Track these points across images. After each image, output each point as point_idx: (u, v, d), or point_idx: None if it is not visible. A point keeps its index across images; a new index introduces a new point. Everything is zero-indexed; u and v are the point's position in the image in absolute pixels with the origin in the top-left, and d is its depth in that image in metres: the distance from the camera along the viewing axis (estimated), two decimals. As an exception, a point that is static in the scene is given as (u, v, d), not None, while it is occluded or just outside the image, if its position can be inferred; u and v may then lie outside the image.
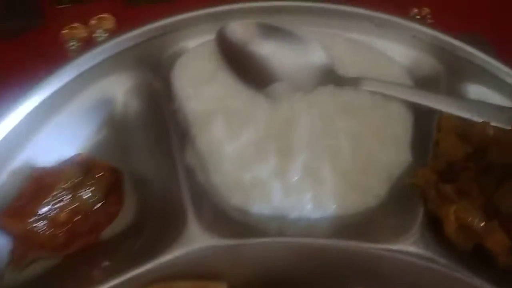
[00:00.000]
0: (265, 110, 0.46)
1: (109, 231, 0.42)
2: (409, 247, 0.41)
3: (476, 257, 0.42)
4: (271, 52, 0.50)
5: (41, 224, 0.39)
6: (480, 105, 0.50)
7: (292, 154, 0.43)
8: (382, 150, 0.47)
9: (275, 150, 0.44)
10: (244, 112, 0.46)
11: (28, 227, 0.39)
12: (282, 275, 0.40)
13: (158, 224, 0.41)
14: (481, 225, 0.41)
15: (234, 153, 0.43)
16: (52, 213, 0.39)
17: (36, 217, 0.39)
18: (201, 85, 0.48)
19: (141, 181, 0.44)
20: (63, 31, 0.57)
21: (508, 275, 0.42)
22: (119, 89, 0.48)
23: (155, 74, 0.48)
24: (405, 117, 0.49)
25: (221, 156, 0.44)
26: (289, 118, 0.46)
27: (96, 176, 0.41)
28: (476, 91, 0.53)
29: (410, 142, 0.48)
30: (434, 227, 0.43)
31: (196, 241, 0.39)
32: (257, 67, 0.49)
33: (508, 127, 0.46)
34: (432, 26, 0.59)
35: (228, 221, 0.42)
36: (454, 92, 0.53)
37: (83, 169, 0.41)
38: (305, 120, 0.45)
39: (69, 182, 0.40)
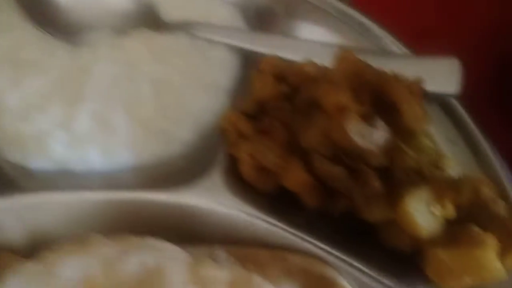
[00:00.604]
0: (63, 58, 0.42)
1: None
2: (207, 193, 0.38)
3: (286, 201, 0.39)
4: (77, -4, 0.46)
5: None
6: (304, 44, 0.48)
7: (81, 103, 0.40)
8: (196, 96, 0.43)
9: (62, 99, 0.40)
10: (36, 61, 0.42)
11: None
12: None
13: None
14: (279, 163, 0.38)
15: (16, 105, 0.39)
16: None
17: None
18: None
19: None
20: None
21: (318, 218, 0.39)
22: None
23: None
24: (229, 62, 0.46)
25: (1, 108, 0.39)
26: (87, 65, 0.42)
27: None
28: (311, 30, 0.50)
29: (231, 88, 0.45)
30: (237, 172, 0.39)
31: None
32: (61, 14, 0.45)
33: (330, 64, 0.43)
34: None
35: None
36: (289, 33, 0.50)
37: None
38: (104, 66, 0.42)
39: None
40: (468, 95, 0.47)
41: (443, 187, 0.38)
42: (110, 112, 0.40)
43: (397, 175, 0.38)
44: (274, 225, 0.38)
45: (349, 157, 0.38)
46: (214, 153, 0.41)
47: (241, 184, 0.39)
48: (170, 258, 0.30)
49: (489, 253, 0.35)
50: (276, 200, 0.40)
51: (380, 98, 0.41)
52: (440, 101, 0.48)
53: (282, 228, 0.38)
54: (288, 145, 0.39)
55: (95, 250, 0.28)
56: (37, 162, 0.38)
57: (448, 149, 0.46)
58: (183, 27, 0.47)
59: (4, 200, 0.35)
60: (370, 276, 0.38)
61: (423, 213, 0.37)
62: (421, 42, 0.51)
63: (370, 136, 0.37)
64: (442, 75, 0.47)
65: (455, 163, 0.42)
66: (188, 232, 0.38)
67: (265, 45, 0.47)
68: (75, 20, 0.46)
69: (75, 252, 0.29)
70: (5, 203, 0.35)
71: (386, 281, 0.38)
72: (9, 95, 0.40)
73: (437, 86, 0.46)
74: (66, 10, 0.46)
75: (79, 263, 0.28)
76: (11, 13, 0.45)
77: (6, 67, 0.41)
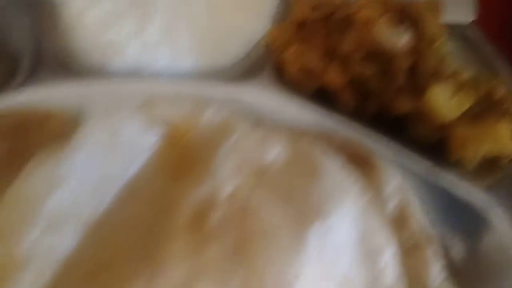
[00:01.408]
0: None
1: None
2: (260, 91, 0.44)
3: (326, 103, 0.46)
4: None
5: None
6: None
7: (150, 16, 0.47)
8: (242, 18, 0.50)
9: (134, 14, 0.47)
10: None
11: None
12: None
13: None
14: (320, 64, 0.44)
15: (95, 19, 0.46)
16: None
17: None
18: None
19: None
20: None
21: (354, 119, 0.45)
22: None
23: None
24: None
25: (82, 22, 0.46)
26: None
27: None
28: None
29: (273, 13, 0.51)
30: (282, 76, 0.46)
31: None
32: None
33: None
34: None
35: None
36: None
37: None
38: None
39: None
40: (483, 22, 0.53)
41: (462, 83, 0.44)
42: (175, 25, 0.47)
43: (421, 74, 0.44)
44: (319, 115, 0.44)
45: (379, 59, 0.45)
46: (262, 63, 0.47)
47: (288, 85, 0.46)
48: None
49: (505, 129, 0.41)
50: (317, 101, 0.46)
51: (404, 18, 0.47)
52: (456, 30, 0.54)
53: (325, 117, 0.44)
54: (326, 53, 0.46)
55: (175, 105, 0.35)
56: (113, 65, 0.45)
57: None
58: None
59: (85, 85, 0.42)
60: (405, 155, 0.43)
61: (445, 100, 0.43)
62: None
63: (396, 39, 0.44)
64: (457, 5, 0.53)
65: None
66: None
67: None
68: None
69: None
70: (86, 87, 0.42)
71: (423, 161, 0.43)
72: (88, 12, 0.47)
73: (453, 16, 0.53)
74: None
75: (166, 108, 0.34)
76: None
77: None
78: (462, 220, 0.42)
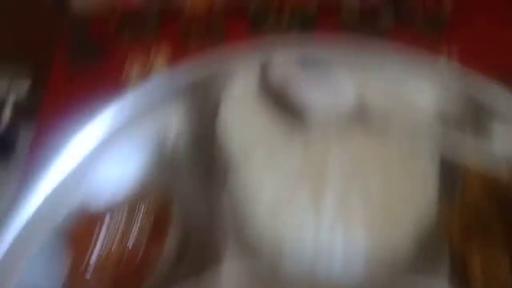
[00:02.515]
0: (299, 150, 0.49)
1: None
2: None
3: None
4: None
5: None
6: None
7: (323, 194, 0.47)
8: (411, 189, 0.49)
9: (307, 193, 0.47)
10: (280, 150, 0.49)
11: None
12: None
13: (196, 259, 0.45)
14: (508, 276, 0.42)
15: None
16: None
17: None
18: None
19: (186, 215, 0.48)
20: (122, 66, 0.61)
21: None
22: (171, 123, 0.52)
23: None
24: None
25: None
26: (322, 160, 0.49)
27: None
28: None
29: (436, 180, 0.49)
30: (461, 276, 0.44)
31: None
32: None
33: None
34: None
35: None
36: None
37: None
38: (337, 163, 0.48)
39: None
40: None
41: None
42: (347, 205, 0.46)
43: None
44: None
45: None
46: (437, 250, 0.46)
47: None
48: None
49: None
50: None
51: None
52: None
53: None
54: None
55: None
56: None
57: None
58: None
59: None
60: None
61: None
62: None
63: None
64: None
65: None
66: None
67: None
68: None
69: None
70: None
71: None
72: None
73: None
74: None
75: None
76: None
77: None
78: None
